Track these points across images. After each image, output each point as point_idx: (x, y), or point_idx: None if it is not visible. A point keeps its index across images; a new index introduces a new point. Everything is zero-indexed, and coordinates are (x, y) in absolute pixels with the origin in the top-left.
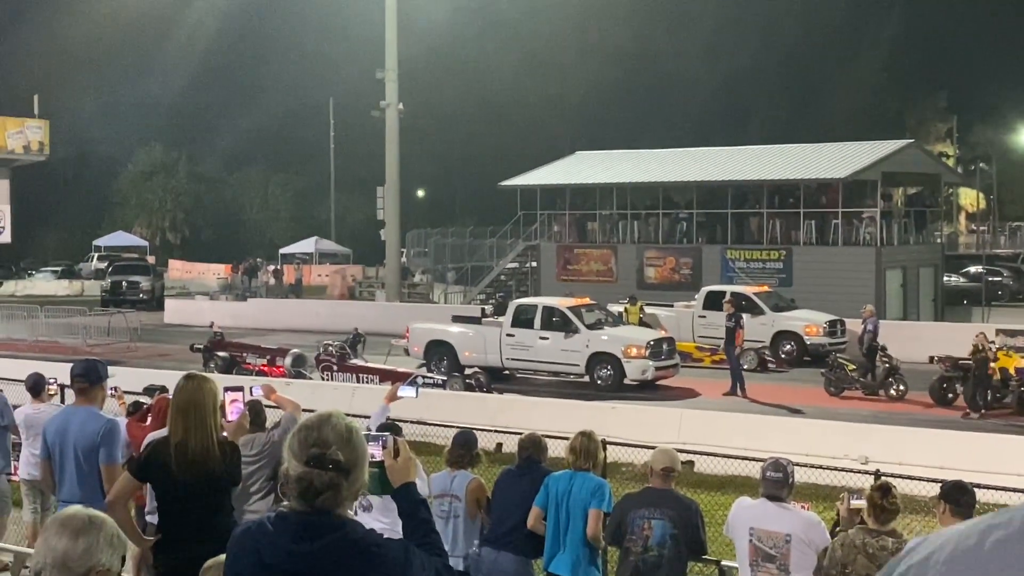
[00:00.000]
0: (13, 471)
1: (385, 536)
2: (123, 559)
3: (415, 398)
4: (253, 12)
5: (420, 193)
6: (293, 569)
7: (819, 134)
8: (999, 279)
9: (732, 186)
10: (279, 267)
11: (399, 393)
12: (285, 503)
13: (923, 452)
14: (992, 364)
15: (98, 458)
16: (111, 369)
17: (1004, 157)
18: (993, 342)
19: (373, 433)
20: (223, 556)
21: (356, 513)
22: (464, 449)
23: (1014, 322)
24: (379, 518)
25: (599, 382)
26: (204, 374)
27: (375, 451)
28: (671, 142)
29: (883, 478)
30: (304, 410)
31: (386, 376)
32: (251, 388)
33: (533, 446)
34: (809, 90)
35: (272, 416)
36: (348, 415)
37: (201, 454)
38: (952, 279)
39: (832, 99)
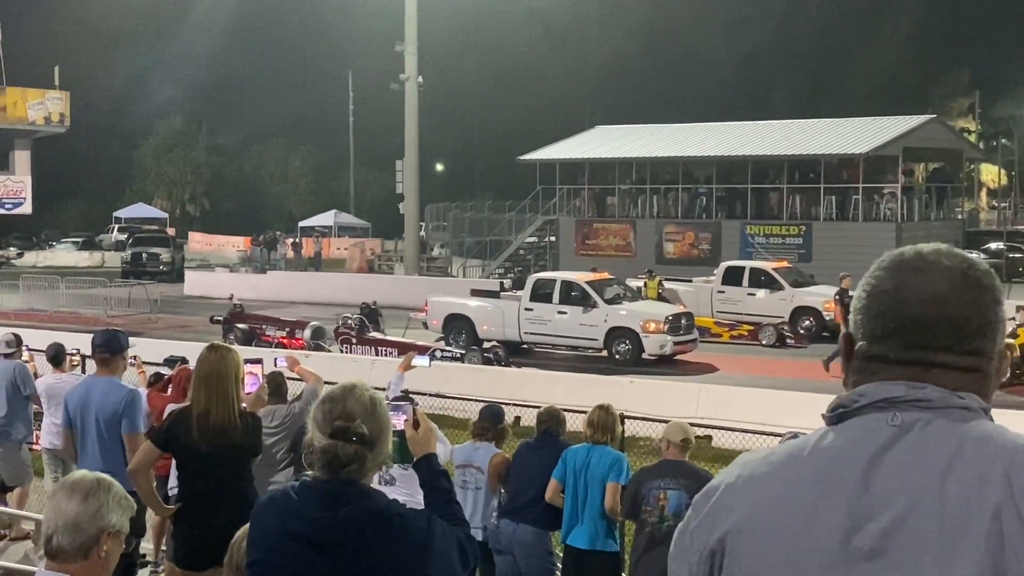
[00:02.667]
0: (34, 440)
1: (408, 507)
2: (131, 521)
3: (428, 367)
4: None
5: (439, 167)
6: (316, 537)
7: (841, 109)
8: (1020, 256)
9: (752, 161)
10: (298, 240)
11: (413, 362)
12: (309, 472)
13: None
14: (1012, 341)
15: (120, 428)
16: (131, 340)
17: None
18: (1013, 318)
19: (393, 403)
20: (247, 527)
21: (380, 484)
22: (490, 423)
23: None
24: (401, 489)
25: (617, 356)
26: (227, 345)
27: (396, 421)
28: (692, 116)
29: None
30: (324, 382)
31: (405, 349)
32: (276, 360)
33: (551, 419)
34: (831, 65)
35: (293, 388)
36: None
37: (223, 424)
38: (973, 256)
39: (854, 74)
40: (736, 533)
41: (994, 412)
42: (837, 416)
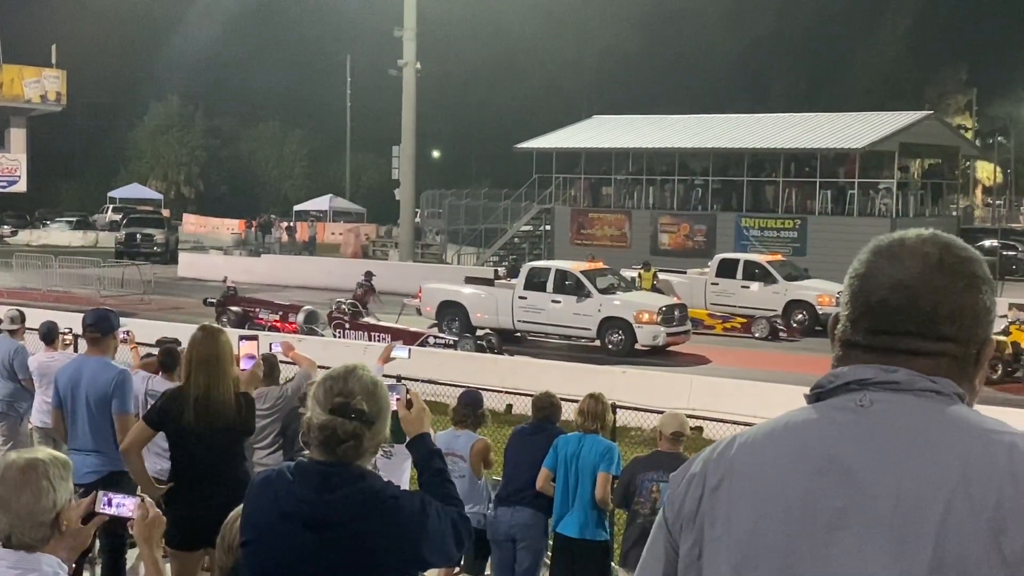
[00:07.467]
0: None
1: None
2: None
3: (407, 359)
4: None
5: (436, 153)
6: (311, 518)
7: (838, 104)
8: (1014, 253)
9: (749, 154)
10: (293, 224)
11: (392, 354)
12: (305, 453)
13: None
14: (1004, 338)
15: (110, 407)
16: (124, 320)
17: (1022, 131)
18: (1005, 316)
19: (388, 383)
20: (240, 508)
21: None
22: (469, 408)
23: None
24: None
25: (610, 347)
26: (217, 326)
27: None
28: (689, 108)
29: None
30: (318, 367)
31: (397, 335)
32: (271, 344)
33: (549, 406)
34: (829, 59)
35: (287, 372)
36: None
37: (220, 405)
38: (960, 242)
39: (852, 69)
40: (714, 501)
41: (989, 410)
42: (815, 396)
